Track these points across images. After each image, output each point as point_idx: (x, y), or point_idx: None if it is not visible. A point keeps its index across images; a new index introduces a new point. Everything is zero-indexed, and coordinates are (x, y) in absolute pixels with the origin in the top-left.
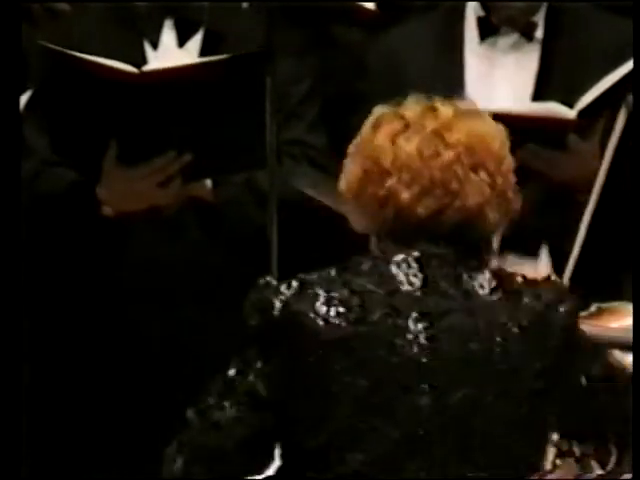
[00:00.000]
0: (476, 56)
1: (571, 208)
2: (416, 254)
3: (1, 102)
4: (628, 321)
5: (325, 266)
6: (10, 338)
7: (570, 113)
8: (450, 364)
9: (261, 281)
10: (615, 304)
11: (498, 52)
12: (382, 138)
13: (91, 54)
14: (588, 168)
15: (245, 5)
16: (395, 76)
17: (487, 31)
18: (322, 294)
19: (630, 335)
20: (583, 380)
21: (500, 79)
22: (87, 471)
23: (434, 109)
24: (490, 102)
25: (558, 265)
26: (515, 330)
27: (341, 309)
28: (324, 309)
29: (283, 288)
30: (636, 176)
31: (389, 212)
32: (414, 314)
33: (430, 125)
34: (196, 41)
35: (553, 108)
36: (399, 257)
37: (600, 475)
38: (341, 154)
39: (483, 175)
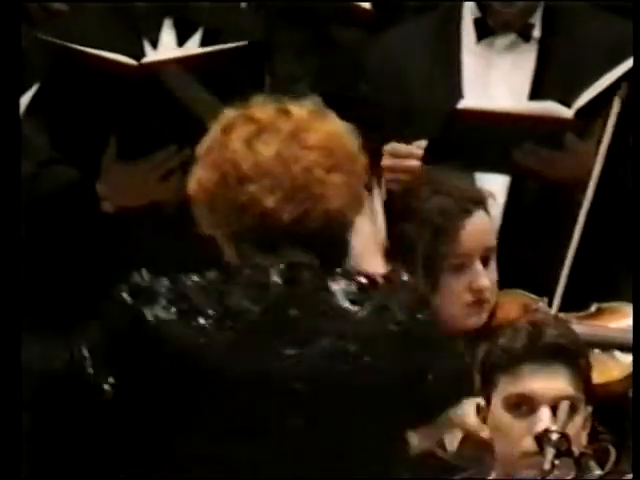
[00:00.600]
0: (473, 56)
1: (569, 208)
2: (282, 267)
3: (0, 101)
4: (628, 321)
5: None
6: (10, 338)
7: (567, 112)
8: (323, 389)
9: (116, 292)
10: (614, 304)
11: (494, 52)
12: (237, 142)
13: None
14: (585, 167)
15: (244, 5)
16: (393, 76)
17: (484, 32)
18: (190, 307)
19: (629, 335)
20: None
21: (497, 79)
22: (87, 471)
23: (286, 111)
24: (487, 101)
25: (556, 265)
26: (382, 346)
27: (212, 330)
28: (189, 331)
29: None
30: (636, 175)
31: (251, 218)
32: (287, 337)
33: (285, 127)
34: (195, 40)
35: (550, 107)
36: (273, 269)
37: (600, 475)
38: None
39: (341, 177)
